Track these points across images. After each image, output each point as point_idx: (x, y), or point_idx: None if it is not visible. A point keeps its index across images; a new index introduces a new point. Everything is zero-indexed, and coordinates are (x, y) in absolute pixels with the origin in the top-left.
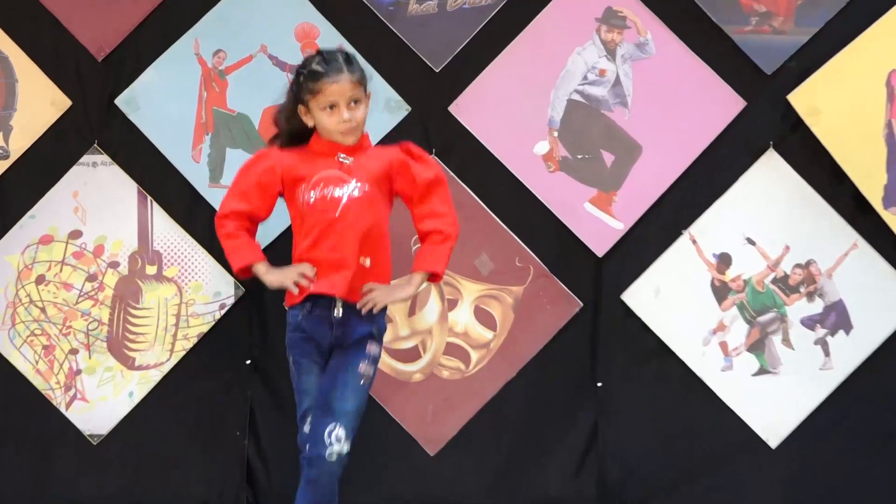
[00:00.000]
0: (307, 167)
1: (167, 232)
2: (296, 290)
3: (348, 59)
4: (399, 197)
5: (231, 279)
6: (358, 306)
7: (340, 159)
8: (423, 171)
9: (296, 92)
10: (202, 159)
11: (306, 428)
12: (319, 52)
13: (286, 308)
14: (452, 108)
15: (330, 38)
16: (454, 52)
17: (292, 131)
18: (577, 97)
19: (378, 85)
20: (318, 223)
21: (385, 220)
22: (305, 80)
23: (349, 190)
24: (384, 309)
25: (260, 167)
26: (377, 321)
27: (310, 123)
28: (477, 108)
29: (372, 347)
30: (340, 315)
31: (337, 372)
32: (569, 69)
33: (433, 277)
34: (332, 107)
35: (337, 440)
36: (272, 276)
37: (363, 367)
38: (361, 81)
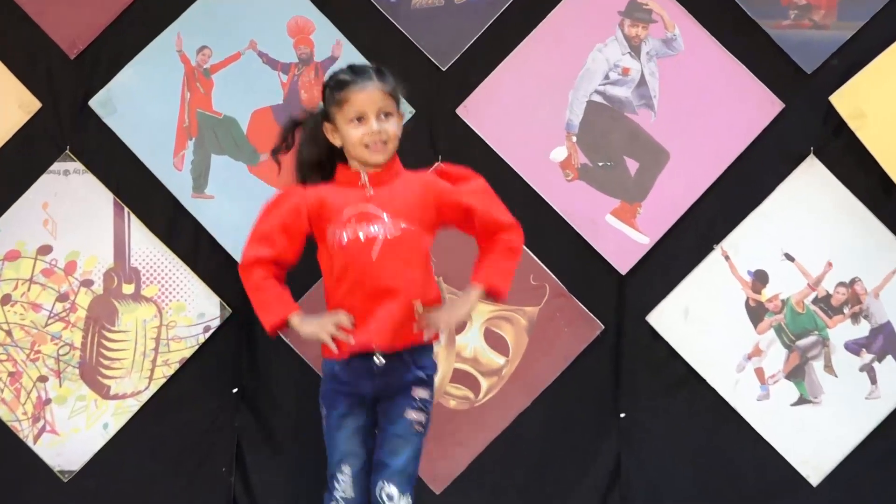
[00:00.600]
0: (335, 203)
1: (146, 247)
2: (333, 346)
3: (379, 70)
4: (451, 227)
5: (217, 299)
6: (425, 338)
7: (368, 194)
8: (468, 190)
9: (322, 109)
10: (185, 167)
11: (337, 486)
12: (349, 65)
13: (281, 336)
14: (460, 111)
15: (326, 33)
16: (462, 49)
17: (313, 160)
18: (597, 98)
19: None
20: (353, 268)
21: (428, 255)
22: (332, 91)
23: (385, 229)
24: (431, 348)
25: (284, 208)
26: (424, 363)
27: (337, 143)
28: (487, 111)
29: (419, 391)
30: (382, 363)
31: (385, 425)
32: (588, 67)
33: (494, 295)
34: (359, 118)
35: (389, 498)
36: (307, 328)
37: (412, 414)
38: (394, 94)
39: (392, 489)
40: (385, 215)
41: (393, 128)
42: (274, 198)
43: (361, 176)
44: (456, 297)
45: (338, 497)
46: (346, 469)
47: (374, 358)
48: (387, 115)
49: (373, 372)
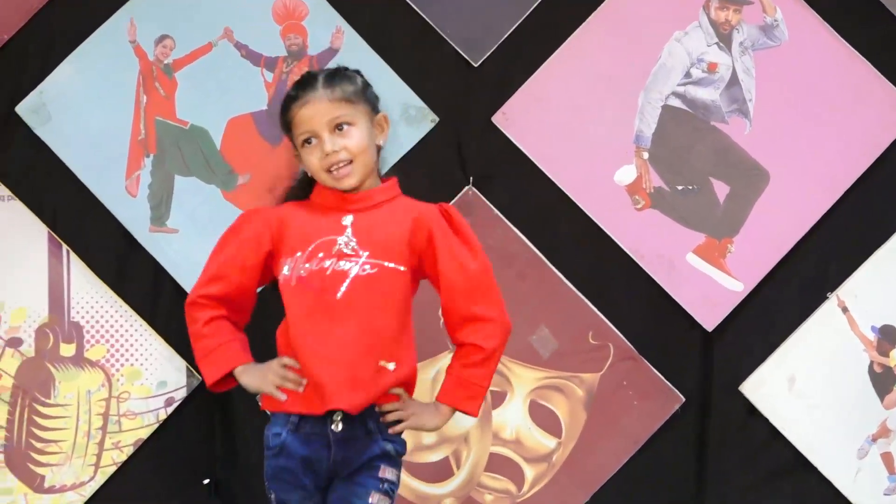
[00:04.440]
0: (301, 229)
1: (91, 296)
2: (280, 395)
3: (333, 74)
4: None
5: (182, 363)
6: (380, 414)
7: (344, 223)
8: (464, 260)
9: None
10: (141, 192)
11: None
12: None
13: (265, 413)
14: (497, 119)
15: (323, 18)
16: (500, 40)
17: (301, 183)
18: (675, 102)
19: (394, 88)
20: (312, 306)
21: (408, 305)
22: (281, 114)
23: (357, 264)
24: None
25: (244, 233)
26: (392, 435)
27: (309, 172)
28: (532, 119)
29: (387, 472)
30: (340, 429)
31: None
32: (664, 63)
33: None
34: (308, 140)
35: None
36: (248, 379)
37: (376, 497)
38: (349, 98)
39: None
40: (361, 250)
41: (355, 140)
42: (236, 220)
43: (337, 198)
44: (425, 404)
45: None
46: None
47: (331, 422)
48: (343, 126)
49: (329, 440)
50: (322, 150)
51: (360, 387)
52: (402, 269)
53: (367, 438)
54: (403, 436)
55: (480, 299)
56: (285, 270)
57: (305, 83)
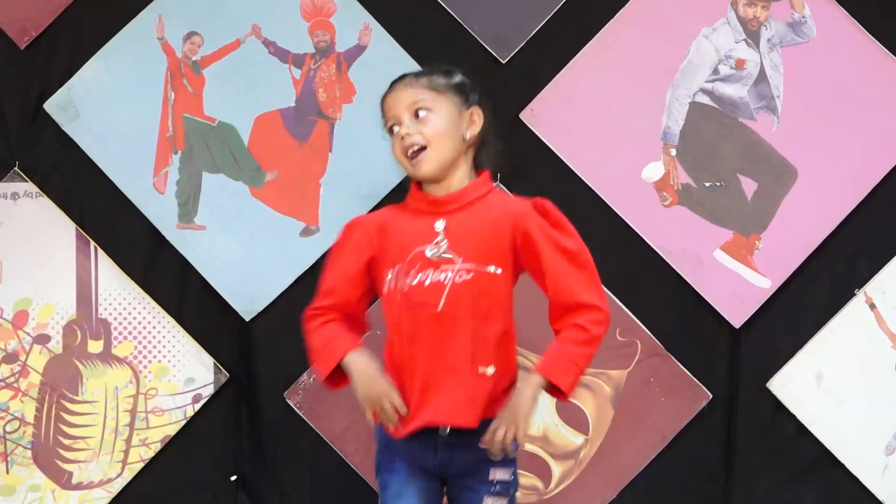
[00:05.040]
0: (398, 238)
1: (118, 293)
2: (371, 420)
3: (429, 69)
4: (526, 273)
5: (209, 360)
6: (487, 449)
7: (437, 228)
8: (568, 253)
9: None
10: (168, 189)
11: None
12: None
13: (291, 408)
14: (525, 115)
15: (351, 15)
16: (528, 36)
17: None
18: (703, 99)
19: None
20: (415, 320)
21: (509, 304)
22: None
23: (453, 272)
24: None
25: (347, 245)
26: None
27: None
28: (560, 115)
29: (497, 472)
30: (448, 433)
31: None
32: (692, 59)
33: (556, 392)
34: (393, 128)
35: None
36: (357, 367)
37: (490, 502)
38: (434, 87)
39: None
40: (455, 255)
41: (431, 127)
42: (338, 237)
43: (435, 224)
44: (509, 404)
45: None
46: None
47: (440, 429)
48: (421, 111)
49: (436, 444)
50: (399, 135)
51: (470, 398)
52: (498, 271)
53: (475, 442)
54: None
55: (586, 289)
56: (388, 283)
57: (401, 76)
